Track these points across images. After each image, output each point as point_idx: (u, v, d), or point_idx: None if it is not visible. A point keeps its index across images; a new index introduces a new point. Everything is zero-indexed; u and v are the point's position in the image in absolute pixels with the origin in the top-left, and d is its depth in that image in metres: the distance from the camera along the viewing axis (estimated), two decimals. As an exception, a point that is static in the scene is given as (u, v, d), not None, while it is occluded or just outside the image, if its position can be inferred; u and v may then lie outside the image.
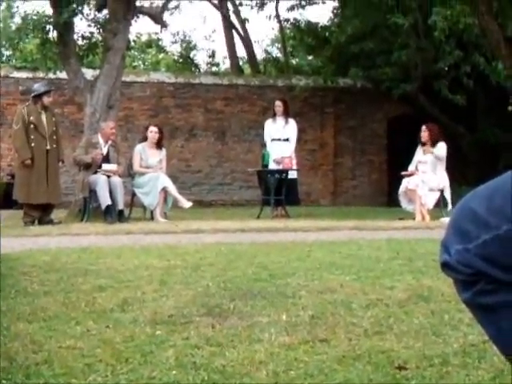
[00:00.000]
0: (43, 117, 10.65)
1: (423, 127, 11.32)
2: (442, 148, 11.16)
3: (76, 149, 12.06)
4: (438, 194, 11.07)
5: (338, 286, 4.58)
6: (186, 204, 11.42)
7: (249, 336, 3.31)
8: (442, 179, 11.10)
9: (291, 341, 3.22)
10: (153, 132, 11.77)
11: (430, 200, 10.99)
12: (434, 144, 11.19)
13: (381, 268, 5.43)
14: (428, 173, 11.07)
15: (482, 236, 1.33)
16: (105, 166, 10.98)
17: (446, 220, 10.05)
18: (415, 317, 3.69)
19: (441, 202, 11.10)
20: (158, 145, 11.80)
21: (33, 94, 10.82)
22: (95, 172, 10.96)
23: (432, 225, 10.07)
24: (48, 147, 10.59)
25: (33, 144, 10.47)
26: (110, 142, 11.24)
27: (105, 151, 11.15)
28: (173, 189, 11.42)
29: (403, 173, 11.28)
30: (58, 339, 3.29)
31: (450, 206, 10.82)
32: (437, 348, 3.09)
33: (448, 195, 11.06)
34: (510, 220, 1.31)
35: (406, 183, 11.07)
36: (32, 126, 10.49)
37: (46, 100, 10.72)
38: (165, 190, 11.28)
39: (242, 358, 2.96)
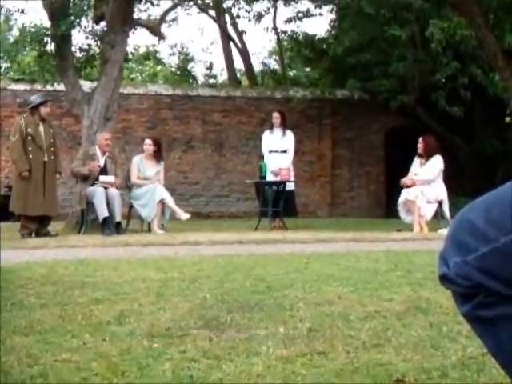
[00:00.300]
0: (41, 128, 10.66)
1: (420, 139, 11.33)
2: (437, 162, 11.16)
3: (74, 160, 12.05)
4: (436, 206, 11.06)
5: (336, 298, 4.56)
6: (184, 216, 11.41)
7: (246, 349, 3.30)
8: (439, 191, 11.10)
9: (289, 354, 3.20)
10: (147, 145, 11.80)
11: (429, 211, 10.98)
12: (429, 157, 11.19)
13: (379, 280, 5.42)
14: (425, 184, 11.07)
15: (480, 248, 1.32)
16: (102, 178, 10.97)
17: (443, 231, 10.02)
18: (413, 329, 3.67)
19: (439, 214, 11.09)
20: (156, 157, 11.79)
21: (30, 106, 10.83)
22: (93, 184, 10.95)
23: (430, 236, 10.05)
24: (45, 159, 10.58)
25: (30, 156, 10.46)
26: (107, 154, 11.24)
27: (102, 163, 11.15)
28: (170, 201, 11.41)
29: (402, 181, 11.23)
30: (54, 352, 3.27)
31: (448, 218, 10.81)
32: (435, 361, 3.07)
33: (446, 207, 11.05)
34: (509, 232, 1.30)
35: (405, 194, 11.05)
36: (30, 137, 10.49)
37: (44, 111, 10.72)
38: (162, 202, 11.27)
39: (240, 371, 2.95)
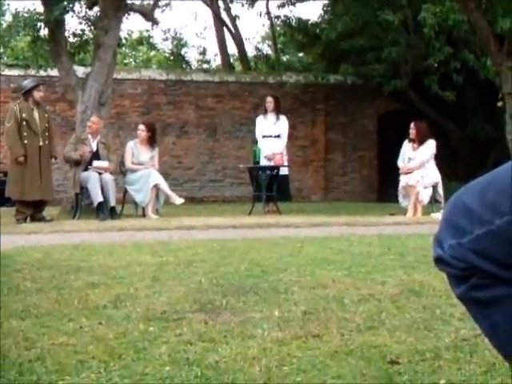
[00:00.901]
0: (35, 113, 10.63)
1: (412, 124, 11.33)
2: (431, 145, 11.19)
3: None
4: (431, 190, 11.10)
5: (330, 282, 4.59)
6: (178, 201, 11.42)
7: (241, 332, 3.33)
8: (434, 175, 11.13)
9: (284, 336, 3.24)
10: (140, 130, 11.80)
11: (426, 196, 11.03)
12: (421, 142, 11.21)
13: (372, 263, 5.45)
14: (421, 168, 11.09)
15: (475, 231, 1.34)
16: (96, 163, 10.97)
17: (437, 215, 10.07)
18: (407, 312, 3.71)
19: (432, 198, 11.13)
20: (150, 142, 11.79)
21: (23, 91, 10.80)
22: (86, 169, 10.95)
23: (423, 220, 10.11)
24: (41, 143, 10.57)
25: (25, 141, 10.44)
26: (98, 139, 11.23)
27: (94, 147, 11.15)
28: (165, 185, 11.41)
29: (403, 170, 11.19)
30: (51, 336, 3.30)
31: (442, 202, 10.85)
32: (429, 343, 3.11)
33: (441, 191, 11.09)
34: (503, 214, 1.32)
35: (406, 179, 11.05)
36: (24, 122, 10.46)
37: (37, 95, 10.68)
38: (157, 187, 11.27)
39: (235, 354, 2.98)
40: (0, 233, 7.70)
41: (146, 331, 3.37)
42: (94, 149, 11.15)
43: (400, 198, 11.26)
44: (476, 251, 1.33)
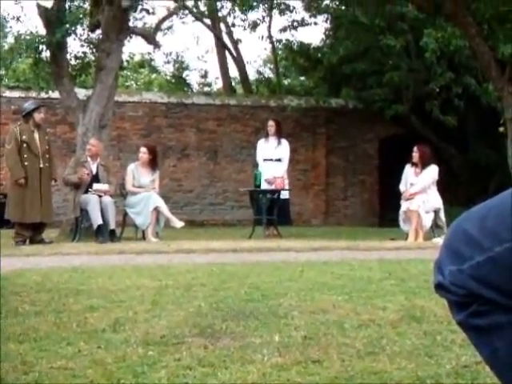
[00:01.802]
0: (36, 135, 10.64)
1: (415, 148, 11.30)
2: (433, 170, 11.16)
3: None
4: (432, 215, 11.06)
5: (331, 307, 4.57)
6: (178, 224, 11.39)
7: (241, 357, 3.31)
8: (435, 200, 11.10)
9: (284, 361, 3.21)
10: (142, 153, 11.79)
11: (427, 221, 10.99)
12: (424, 166, 11.18)
13: (373, 288, 5.43)
14: (422, 193, 11.06)
15: (475, 257, 1.33)
16: (96, 186, 10.96)
17: (438, 241, 10.05)
18: (408, 338, 3.68)
19: (433, 223, 11.10)
20: (152, 165, 11.79)
21: (23, 113, 10.82)
22: (86, 191, 10.95)
23: (423, 245, 10.07)
24: (41, 165, 10.58)
25: (26, 163, 10.45)
26: (98, 161, 11.24)
27: (94, 170, 11.16)
28: (165, 208, 11.40)
29: (405, 196, 11.14)
30: (49, 360, 3.27)
31: (444, 227, 10.81)
32: (429, 369, 3.09)
33: (442, 216, 11.05)
34: (503, 242, 1.31)
35: (407, 204, 11.01)
36: (25, 144, 10.48)
37: (38, 117, 10.70)
38: (157, 210, 11.26)
39: (235, 379, 2.95)
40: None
41: (145, 355, 3.35)
42: (94, 171, 11.15)
43: (401, 223, 11.22)
44: (476, 278, 1.33)
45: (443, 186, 11.74)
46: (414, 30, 16.41)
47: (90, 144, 11.24)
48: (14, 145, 10.46)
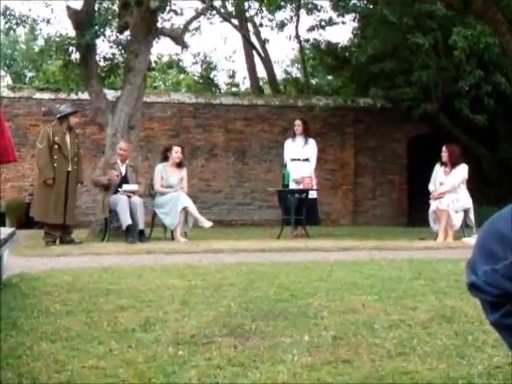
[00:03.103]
0: (67, 138, 10.70)
1: (444, 148, 11.23)
2: (462, 170, 11.07)
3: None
4: (462, 215, 10.98)
5: (360, 307, 4.56)
6: (206, 224, 11.40)
7: (271, 357, 3.31)
8: (465, 199, 11.02)
9: (314, 361, 3.21)
10: (178, 152, 11.77)
11: (458, 220, 10.91)
12: (454, 165, 11.10)
13: (403, 288, 5.40)
14: (452, 193, 10.99)
15: (509, 257, 1.33)
16: (125, 187, 11.01)
17: (468, 240, 9.97)
18: (438, 338, 3.66)
19: (463, 223, 11.02)
20: (179, 164, 11.82)
21: (59, 115, 10.89)
22: (116, 192, 11.00)
23: (454, 245, 10.01)
24: (69, 168, 10.64)
25: (55, 164, 10.52)
26: (127, 162, 11.30)
27: (123, 171, 11.21)
28: (193, 208, 11.42)
29: (434, 195, 11.08)
30: (81, 359, 3.30)
31: (474, 227, 10.74)
32: (461, 370, 3.06)
33: (472, 216, 10.97)
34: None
35: (437, 203, 10.94)
36: (56, 146, 10.55)
37: (73, 121, 10.78)
38: (185, 210, 11.28)
39: (265, 379, 2.96)
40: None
41: (176, 355, 3.36)
42: (123, 173, 11.20)
43: (431, 223, 11.14)
44: (510, 278, 1.32)
45: (473, 185, 11.65)
46: (442, 28, 16.30)
47: (119, 148, 11.29)
48: (45, 145, 10.54)
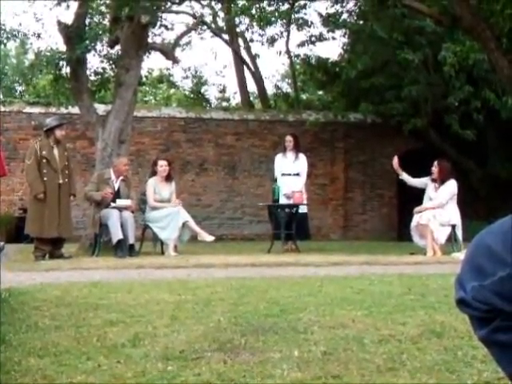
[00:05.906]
0: (55, 151, 10.70)
1: (435, 163, 11.25)
2: (451, 186, 11.09)
3: (87, 183, 12.11)
4: (449, 230, 11.00)
5: (350, 322, 4.55)
6: (209, 238, 11.34)
7: (261, 372, 3.29)
8: (453, 214, 11.04)
9: (304, 377, 3.20)
10: (163, 166, 11.77)
11: (442, 235, 10.92)
12: (443, 181, 11.13)
13: (393, 303, 5.40)
14: (439, 208, 11.01)
15: (497, 273, 1.33)
16: (119, 202, 10.97)
17: (457, 255, 10.00)
18: (428, 353, 3.66)
19: (452, 238, 11.03)
20: (168, 178, 11.80)
21: (45, 129, 10.89)
22: (107, 205, 10.97)
23: (443, 260, 10.02)
24: (60, 181, 10.63)
25: (45, 178, 10.51)
26: (121, 178, 11.27)
27: (116, 186, 11.18)
28: (193, 223, 11.42)
29: (416, 209, 11.13)
30: (69, 374, 3.28)
31: (461, 242, 10.77)
32: (451, 385, 3.06)
33: (459, 231, 10.99)
34: (526, 257, 1.30)
35: (417, 218, 10.99)
36: (44, 160, 10.54)
37: (59, 134, 10.77)
38: (185, 225, 11.26)
39: (255, 395, 2.94)
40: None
41: (165, 370, 3.35)
42: (117, 188, 11.17)
43: (414, 238, 11.14)
44: (499, 293, 1.32)
45: (462, 200, 11.68)
46: (432, 44, 16.40)
47: (120, 163, 11.22)
48: (33, 160, 10.53)
